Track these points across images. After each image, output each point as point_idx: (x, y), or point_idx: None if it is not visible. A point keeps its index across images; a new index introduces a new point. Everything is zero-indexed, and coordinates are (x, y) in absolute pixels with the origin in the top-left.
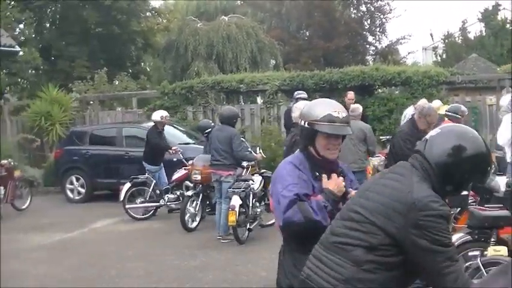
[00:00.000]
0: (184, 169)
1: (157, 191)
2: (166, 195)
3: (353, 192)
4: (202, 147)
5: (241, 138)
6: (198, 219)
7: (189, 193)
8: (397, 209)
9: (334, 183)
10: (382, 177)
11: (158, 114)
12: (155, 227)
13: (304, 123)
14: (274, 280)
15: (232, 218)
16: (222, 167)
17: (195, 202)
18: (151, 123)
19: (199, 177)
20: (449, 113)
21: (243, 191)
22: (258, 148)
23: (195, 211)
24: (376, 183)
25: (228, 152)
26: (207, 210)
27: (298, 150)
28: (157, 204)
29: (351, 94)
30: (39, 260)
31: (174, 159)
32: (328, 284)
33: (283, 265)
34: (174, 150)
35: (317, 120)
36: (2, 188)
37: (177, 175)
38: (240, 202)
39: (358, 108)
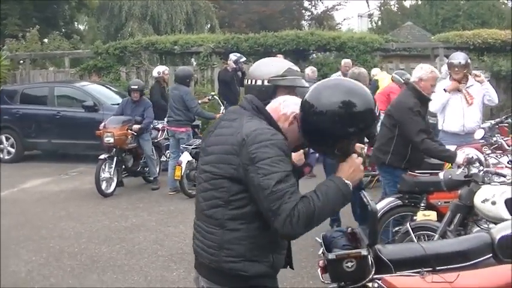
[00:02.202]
0: (98, 132)
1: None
2: (167, 151)
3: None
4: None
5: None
6: (114, 184)
7: (102, 157)
8: (230, 151)
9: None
10: (216, 126)
11: (156, 71)
12: (86, 187)
13: (262, 82)
14: None
15: (178, 173)
16: (176, 124)
17: (108, 165)
18: (84, 83)
19: (112, 140)
20: (395, 76)
21: (194, 148)
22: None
23: (111, 175)
24: (213, 135)
25: (181, 109)
26: (124, 174)
27: None
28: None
29: (281, 58)
30: None
31: None
32: (207, 254)
33: None
34: None
35: (279, 75)
36: None
37: None
38: (190, 158)
39: (309, 70)
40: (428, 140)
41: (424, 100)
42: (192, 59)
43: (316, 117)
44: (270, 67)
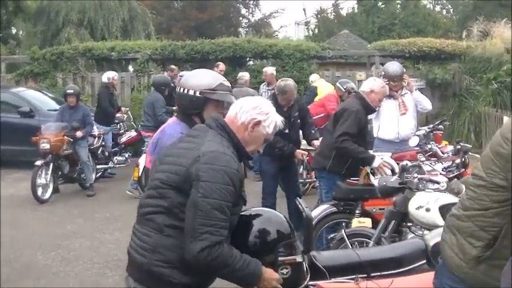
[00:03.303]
0: (34, 138)
1: (106, 153)
2: (115, 157)
3: None
4: None
5: None
6: (50, 190)
7: (38, 163)
8: (183, 163)
9: None
10: (180, 141)
11: (105, 76)
12: (21, 194)
13: (194, 93)
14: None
15: (136, 174)
16: (144, 128)
17: (44, 172)
18: (20, 89)
19: (48, 146)
20: (338, 85)
21: None
22: None
23: (47, 181)
24: (174, 147)
25: (150, 115)
26: (60, 180)
27: (175, 119)
28: (106, 166)
29: (222, 65)
30: None
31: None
32: (140, 256)
33: None
34: (124, 110)
35: (210, 89)
36: None
37: (125, 138)
38: None
39: (245, 75)
40: (349, 141)
41: (370, 110)
42: (130, 66)
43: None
44: (203, 79)
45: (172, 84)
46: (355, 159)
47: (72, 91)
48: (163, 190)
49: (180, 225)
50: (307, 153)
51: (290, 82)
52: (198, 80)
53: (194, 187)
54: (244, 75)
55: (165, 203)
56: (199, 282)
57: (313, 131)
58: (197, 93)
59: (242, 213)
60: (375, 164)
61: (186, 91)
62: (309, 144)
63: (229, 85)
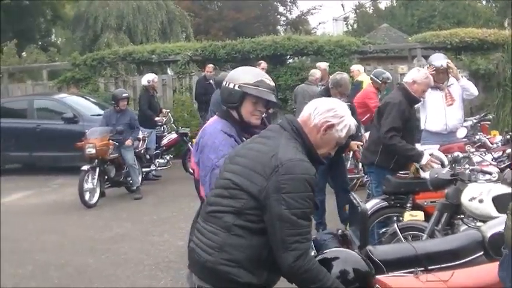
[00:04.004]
0: (79, 144)
1: (148, 156)
2: (156, 160)
3: None
4: None
5: None
6: (97, 194)
7: (85, 167)
8: (259, 171)
9: None
10: (252, 141)
11: (145, 79)
12: (68, 199)
13: (234, 86)
14: None
15: None
16: None
17: (91, 176)
18: (63, 95)
19: (93, 151)
20: (373, 77)
21: None
22: None
23: (94, 186)
24: (245, 147)
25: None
26: (106, 184)
27: (216, 116)
28: (148, 169)
29: (264, 64)
30: None
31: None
32: (205, 253)
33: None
34: (165, 112)
35: (249, 83)
36: None
37: (166, 140)
38: None
39: (317, 73)
40: (397, 137)
41: (413, 101)
42: (169, 68)
43: None
44: (245, 74)
45: (209, 82)
46: (403, 156)
47: (126, 95)
48: (234, 191)
49: (250, 226)
50: (362, 143)
51: (345, 75)
52: (239, 74)
53: (275, 199)
54: (316, 73)
55: (237, 203)
56: (264, 282)
57: (359, 134)
58: (236, 87)
59: (318, 257)
60: (423, 161)
61: (227, 84)
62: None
63: (273, 84)
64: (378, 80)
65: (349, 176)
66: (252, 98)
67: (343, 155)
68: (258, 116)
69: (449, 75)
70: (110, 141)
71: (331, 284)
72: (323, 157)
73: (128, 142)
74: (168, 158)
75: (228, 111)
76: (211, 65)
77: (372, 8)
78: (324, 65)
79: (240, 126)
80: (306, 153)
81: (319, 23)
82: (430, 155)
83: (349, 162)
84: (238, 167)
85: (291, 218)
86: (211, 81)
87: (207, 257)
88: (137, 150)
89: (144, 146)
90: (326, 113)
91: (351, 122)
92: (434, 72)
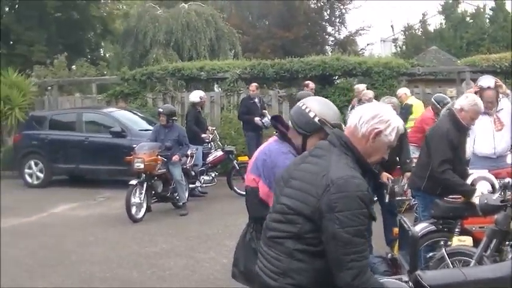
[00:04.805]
0: (127, 158)
1: (193, 172)
2: (202, 177)
3: None
4: None
5: None
6: (143, 209)
7: (133, 182)
8: (312, 192)
9: None
10: (303, 161)
11: (197, 95)
12: (114, 212)
13: (314, 117)
14: None
15: None
16: None
17: (138, 191)
18: (111, 109)
19: (142, 166)
20: (434, 101)
21: None
22: None
23: (141, 201)
24: (298, 169)
25: None
26: (153, 199)
27: (276, 138)
28: (194, 186)
29: (312, 84)
30: None
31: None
32: (270, 279)
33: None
34: (211, 130)
35: (329, 122)
36: None
37: (212, 157)
38: None
39: (370, 93)
40: (449, 171)
41: (461, 129)
42: (216, 85)
43: None
44: (328, 110)
45: (253, 101)
46: (455, 190)
47: (161, 110)
48: (290, 216)
49: (310, 250)
50: (392, 178)
51: (394, 100)
52: (322, 106)
53: (329, 219)
54: (368, 93)
55: (294, 228)
56: None
57: (408, 160)
58: (316, 119)
59: None
60: (476, 200)
61: (306, 109)
62: (402, 174)
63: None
64: (438, 106)
65: (397, 199)
66: (322, 135)
67: (387, 179)
68: None
69: (498, 101)
70: (158, 156)
71: None
72: (374, 163)
73: (175, 158)
74: (213, 175)
75: (285, 136)
76: (255, 84)
77: (421, 30)
78: (362, 86)
79: (296, 151)
80: (357, 165)
81: (368, 44)
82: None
83: (399, 185)
84: (292, 190)
85: (345, 237)
86: (255, 100)
87: (272, 283)
88: (185, 167)
89: (192, 163)
90: (371, 121)
91: (397, 123)
92: (478, 90)
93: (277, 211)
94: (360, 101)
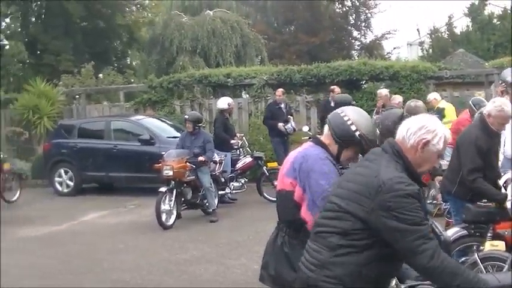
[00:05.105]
0: (156, 165)
1: (223, 179)
2: (231, 183)
3: None
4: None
5: None
6: (173, 216)
7: (163, 189)
8: (364, 193)
9: None
10: (357, 165)
11: (225, 102)
12: (144, 220)
13: (356, 130)
14: None
15: None
16: None
17: (168, 198)
18: (140, 117)
19: (171, 173)
20: (471, 104)
21: None
22: None
23: (171, 208)
24: (351, 172)
25: None
26: (183, 206)
27: (312, 143)
28: (223, 192)
29: (337, 89)
30: (30, 251)
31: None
32: (308, 270)
33: (289, 258)
34: (240, 136)
35: (367, 136)
36: None
37: (241, 164)
38: None
39: (398, 97)
40: (480, 179)
41: (491, 134)
42: (243, 92)
43: None
44: (367, 122)
45: (278, 106)
46: (486, 198)
47: (187, 116)
48: (340, 214)
49: (353, 244)
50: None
51: (420, 103)
52: (361, 118)
53: (386, 217)
54: (397, 98)
55: (343, 225)
56: None
57: (437, 165)
58: (357, 133)
59: None
60: (508, 204)
61: (349, 122)
62: (432, 179)
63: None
64: (475, 109)
65: (428, 203)
66: (358, 148)
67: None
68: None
69: None
70: (187, 163)
71: (472, 278)
72: (425, 173)
73: (201, 158)
74: (243, 181)
75: (320, 141)
76: (281, 89)
77: (447, 32)
78: (384, 91)
79: (332, 158)
80: (407, 174)
81: (394, 48)
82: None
83: (432, 190)
84: (345, 191)
85: (408, 227)
86: (281, 105)
87: (309, 274)
88: (214, 173)
89: (221, 169)
90: (419, 132)
91: (444, 132)
92: (504, 89)
93: (328, 209)
94: (384, 106)
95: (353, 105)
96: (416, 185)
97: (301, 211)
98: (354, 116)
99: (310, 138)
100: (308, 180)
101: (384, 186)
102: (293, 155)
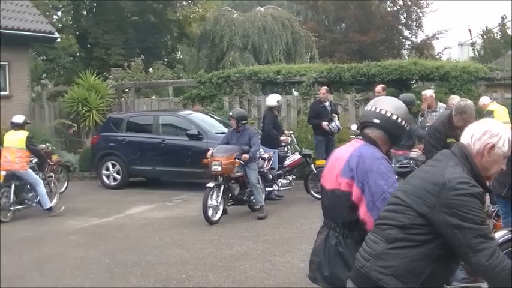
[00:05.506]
0: (205, 160)
1: (270, 176)
2: (279, 180)
3: None
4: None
5: None
6: (220, 212)
7: (210, 185)
8: (429, 189)
9: None
10: (426, 164)
11: (274, 99)
12: (191, 215)
13: (402, 121)
14: None
15: None
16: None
17: (215, 194)
18: (188, 112)
19: (219, 168)
20: None
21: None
22: None
23: (218, 203)
24: (419, 170)
25: None
26: (229, 202)
27: (362, 141)
28: (271, 189)
29: (379, 87)
30: (77, 243)
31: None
32: (363, 259)
33: (344, 257)
34: (288, 133)
35: (406, 127)
36: (40, 172)
37: (289, 161)
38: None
39: (457, 97)
40: None
41: None
42: (293, 89)
43: None
44: (407, 115)
45: (322, 104)
46: None
47: (232, 113)
48: (403, 208)
49: (411, 238)
50: None
51: (470, 102)
52: (408, 113)
53: (448, 214)
54: (455, 98)
55: (403, 219)
56: None
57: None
58: (404, 123)
59: None
60: None
61: (400, 120)
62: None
63: None
64: None
65: None
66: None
67: None
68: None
69: None
70: (236, 159)
71: None
72: (492, 176)
73: (245, 156)
74: (290, 178)
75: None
76: (324, 88)
77: (499, 33)
78: (429, 92)
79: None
80: (472, 177)
81: (445, 48)
82: None
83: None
84: (410, 187)
85: (469, 225)
86: (325, 104)
87: (363, 263)
88: (262, 170)
89: (269, 166)
90: (483, 137)
91: (508, 133)
92: None
93: (391, 203)
94: (430, 108)
95: (415, 105)
96: (480, 187)
97: (360, 212)
98: (400, 111)
99: (356, 136)
100: (367, 181)
101: (449, 183)
102: (342, 153)
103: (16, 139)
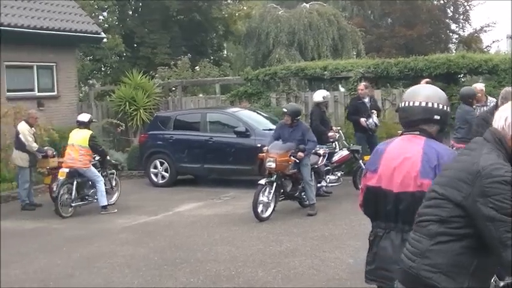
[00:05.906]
0: (260, 155)
1: (324, 172)
2: (327, 176)
3: None
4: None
5: None
6: (270, 209)
7: (262, 181)
8: (463, 178)
9: None
10: (459, 154)
11: (321, 95)
12: (239, 212)
13: (449, 110)
14: (362, 268)
15: None
16: (456, 140)
17: (267, 190)
18: (235, 109)
19: (273, 165)
20: None
21: None
22: None
23: (269, 200)
24: (454, 160)
25: (461, 127)
26: (281, 197)
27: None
28: (319, 185)
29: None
30: (126, 241)
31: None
32: (409, 260)
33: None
34: (336, 129)
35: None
36: (101, 170)
37: (337, 157)
38: None
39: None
40: None
41: None
42: (340, 85)
43: None
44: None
45: (361, 101)
46: None
47: (285, 110)
48: (439, 201)
49: (452, 232)
50: None
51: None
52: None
53: (482, 203)
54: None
55: (442, 212)
56: None
57: None
58: (443, 108)
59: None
60: None
61: (445, 107)
62: None
63: None
64: None
65: None
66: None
67: None
68: None
69: None
70: (291, 157)
71: None
72: None
73: (300, 154)
74: (339, 174)
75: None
76: (363, 84)
77: None
78: (480, 85)
79: None
80: (509, 163)
81: (493, 41)
82: None
83: None
84: (445, 179)
85: (502, 217)
86: (364, 100)
87: (410, 263)
88: (316, 166)
89: (323, 162)
90: None
91: None
92: None
93: (428, 198)
94: (478, 102)
95: (471, 96)
96: None
97: None
98: (444, 99)
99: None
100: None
101: (483, 171)
102: (406, 152)
103: (80, 137)
